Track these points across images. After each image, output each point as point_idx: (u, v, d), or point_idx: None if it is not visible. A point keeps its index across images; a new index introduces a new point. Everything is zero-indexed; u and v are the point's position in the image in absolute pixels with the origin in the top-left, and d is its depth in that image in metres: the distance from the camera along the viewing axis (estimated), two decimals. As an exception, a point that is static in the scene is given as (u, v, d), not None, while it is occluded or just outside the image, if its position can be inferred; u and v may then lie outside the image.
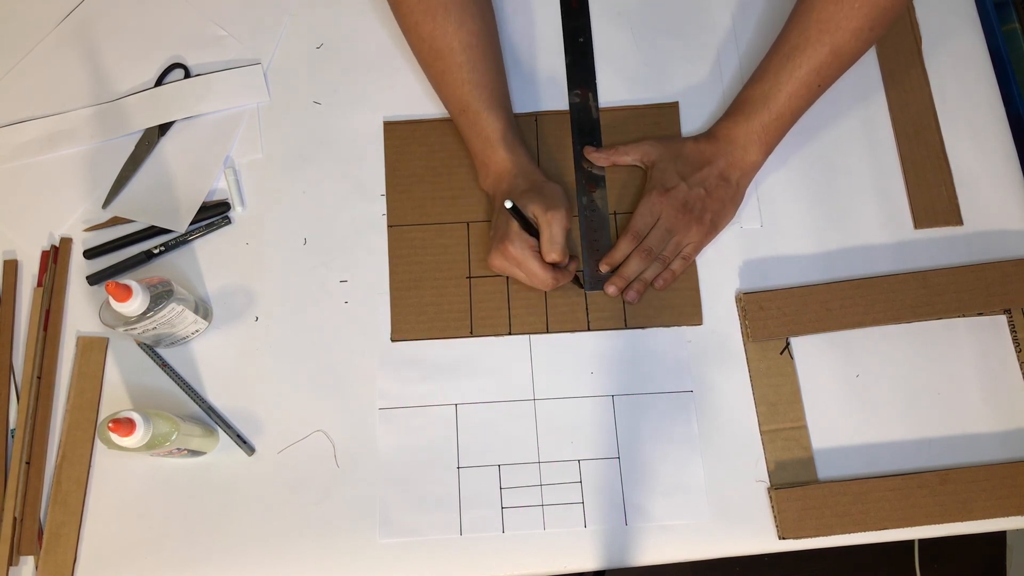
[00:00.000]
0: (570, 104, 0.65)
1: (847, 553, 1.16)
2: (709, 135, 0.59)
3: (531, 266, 0.55)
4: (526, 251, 0.55)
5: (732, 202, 0.59)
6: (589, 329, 0.60)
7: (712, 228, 0.59)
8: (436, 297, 0.60)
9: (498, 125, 0.58)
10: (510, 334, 0.60)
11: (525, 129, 0.64)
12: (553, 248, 0.54)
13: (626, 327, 0.60)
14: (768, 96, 0.57)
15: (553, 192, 0.56)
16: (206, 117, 0.65)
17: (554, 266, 0.56)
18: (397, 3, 0.59)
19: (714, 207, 0.58)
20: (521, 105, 0.65)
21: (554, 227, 0.54)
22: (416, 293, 0.60)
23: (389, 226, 0.63)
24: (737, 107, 0.59)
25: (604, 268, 0.59)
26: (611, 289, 0.59)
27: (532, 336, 0.60)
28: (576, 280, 0.60)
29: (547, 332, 0.60)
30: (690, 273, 0.61)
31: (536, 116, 0.65)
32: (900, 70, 0.66)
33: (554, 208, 0.54)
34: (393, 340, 0.60)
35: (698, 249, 0.59)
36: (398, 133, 0.64)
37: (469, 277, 0.61)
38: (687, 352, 0.59)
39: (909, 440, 0.58)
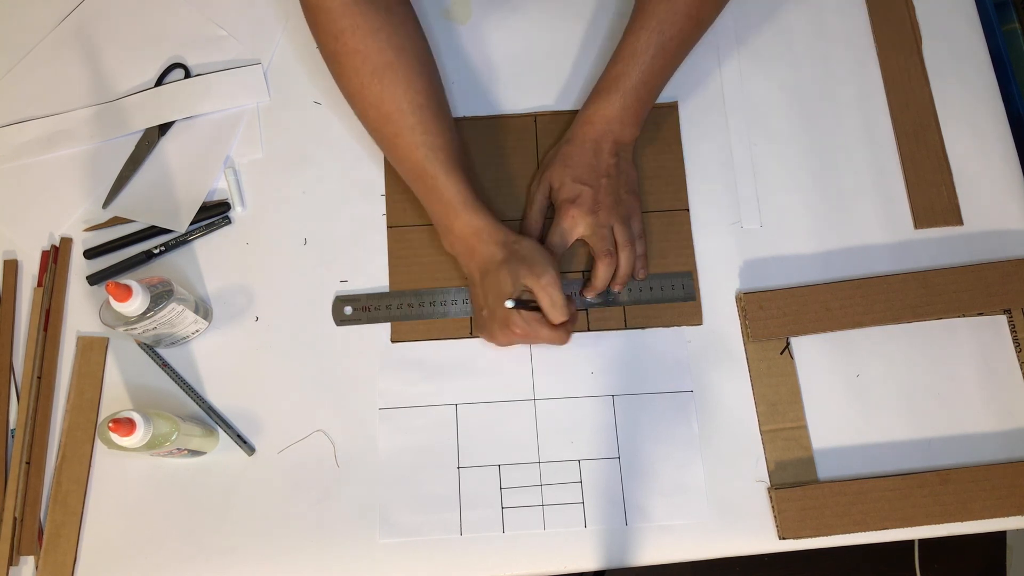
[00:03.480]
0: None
1: (847, 553, 1.16)
2: (584, 122, 0.58)
3: (545, 335, 0.54)
4: (533, 324, 0.54)
5: (631, 166, 0.60)
6: (589, 329, 0.60)
7: (633, 197, 0.59)
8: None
9: (460, 188, 0.55)
10: None
11: (524, 132, 0.64)
12: (557, 312, 0.53)
13: (626, 327, 0.60)
14: (629, 72, 0.57)
15: (532, 253, 0.54)
16: (206, 117, 0.65)
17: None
18: (340, 65, 0.55)
19: (620, 181, 0.58)
20: (521, 103, 0.65)
21: (552, 293, 0.53)
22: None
23: (389, 227, 0.62)
24: (604, 87, 0.58)
25: (590, 295, 0.59)
26: (591, 296, 0.59)
27: None
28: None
29: None
30: (690, 273, 0.61)
31: (535, 117, 0.65)
32: (900, 69, 0.65)
33: (544, 273, 0.53)
34: (393, 341, 0.60)
35: (641, 220, 0.59)
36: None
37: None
38: (687, 352, 0.59)
39: (909, 440, 0.57)
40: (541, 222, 0.61)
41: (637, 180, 0.60)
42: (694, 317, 0.60)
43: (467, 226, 0.55)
